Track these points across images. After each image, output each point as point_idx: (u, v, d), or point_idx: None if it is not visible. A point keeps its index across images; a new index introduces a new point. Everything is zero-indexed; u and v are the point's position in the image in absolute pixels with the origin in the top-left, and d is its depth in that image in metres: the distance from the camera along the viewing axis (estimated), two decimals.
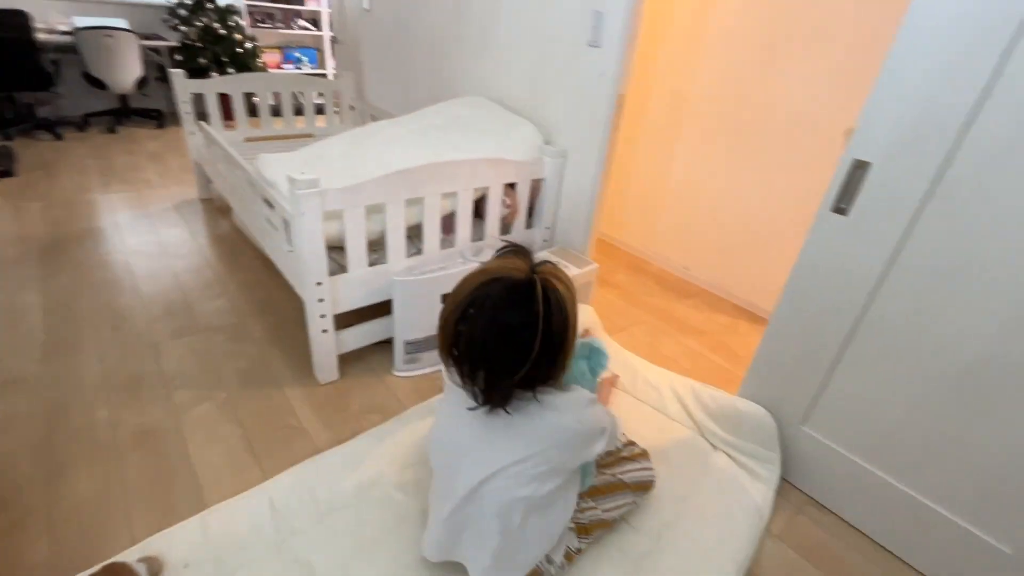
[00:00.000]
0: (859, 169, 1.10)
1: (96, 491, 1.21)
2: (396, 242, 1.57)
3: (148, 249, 2.32)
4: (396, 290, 1.55)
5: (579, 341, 1.12)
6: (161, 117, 4.33)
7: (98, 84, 3.88)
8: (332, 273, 1.50)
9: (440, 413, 1.03)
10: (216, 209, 2.82)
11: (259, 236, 1.92)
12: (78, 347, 1.66)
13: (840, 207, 1.16)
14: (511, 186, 1.83)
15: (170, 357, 1.66)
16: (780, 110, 1.98)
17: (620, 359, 1.80)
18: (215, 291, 2.05)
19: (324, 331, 1.53)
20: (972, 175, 0.96)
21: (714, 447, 1.47)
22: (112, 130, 4.03)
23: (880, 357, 1.18)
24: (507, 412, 0.88)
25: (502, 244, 0.94)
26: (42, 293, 1.93)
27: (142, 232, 2.47)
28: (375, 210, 1.52)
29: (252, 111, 2.96)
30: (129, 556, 1.03)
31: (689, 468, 1.39)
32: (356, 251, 1.50)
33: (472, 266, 1.64)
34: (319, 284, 1.45)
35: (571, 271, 1.77)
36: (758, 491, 1.34)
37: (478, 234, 1.84)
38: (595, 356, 1.16)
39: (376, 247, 1.61)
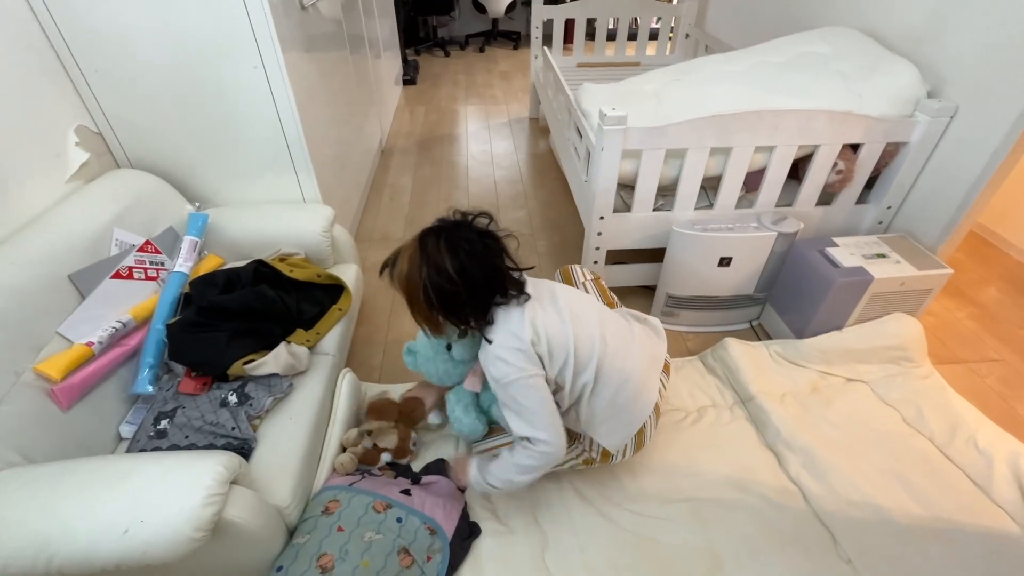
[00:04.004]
0: None
1: (413, 333, 1.65)
2: (688, 191, 1.48)
3: (482, 157, 2.80)
4: (673, 240, 1.50)
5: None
6: (518, 39, 4.94)
7: (480, 9, 4.63)
8: (616, 210, 1.54)
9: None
10: (539, 128, 3.16)
11: (564, 160, 2.08)
12: (424, 225, 2.18)
13: None
14: (853, 147, 1.47)
15: None
16: None
17: (939, 399, 1.36)
18: (519, 203, 2.36)
19: (595, 263, 1.62)
20: None
21: None
22: (481, 49, 4.83)
23: None
24: None
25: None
26: (412, 178, 2.58)
27: (481, 141, 2.98)
28: (675, 155, 1.45)
29: (592, 35, 3.09)
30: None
31: (988, 566, 1.01)
32: (645, 194, 1.49)
33: (768, 235, 1.44)
34: (601, 218, 1.51)
35: (903, 269, 1.37)
36: None
37: (787, 199, 1.57)
38: None
39: (666, 192, 1.56)
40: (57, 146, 1.24)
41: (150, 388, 1.08)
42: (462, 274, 0.87)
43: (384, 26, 3.24)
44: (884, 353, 1.43)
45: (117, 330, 1.09)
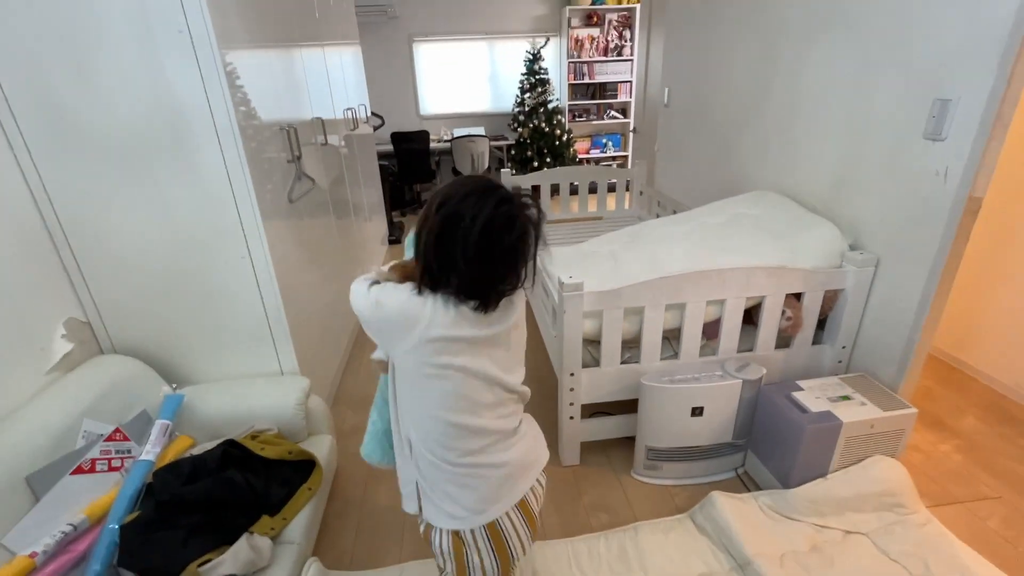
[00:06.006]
0: None
1: (389, 506, 1.57)
2: (650, 345, 1.55)
3: None
4: (643, 394, 1.52)
5: None
6: None
7: (459, 176, 5.22)
8: (586, 365, 1.59)
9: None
10: None
11: (537, 315, 2.19)
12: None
13: None
14: (797, 296, 1.59)
15: None
16: None
17: (945, 551, 1.29)
18: None
19: (571, 417, 1.62)
20: None
21: None
22: None
23: None
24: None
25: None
26: None
27: None
28: (634, 312, 1.55)
29: (556, 191, 3.45)
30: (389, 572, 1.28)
31: None
32: (610, 349, 1.55)
33: (734, 383, 1.49)
34: (572, 375, 1.55)
35: (870, 411, 1.39)
36: None
37: (747, 343, 1.65)
38: None
39: (632, 344, 1.63)
40: (43, 341, 1.29)
41: None
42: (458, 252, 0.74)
43: (371, 193, 3.60)
44: (875, 500, 1.38)
45: (67, 534, 1.04)
